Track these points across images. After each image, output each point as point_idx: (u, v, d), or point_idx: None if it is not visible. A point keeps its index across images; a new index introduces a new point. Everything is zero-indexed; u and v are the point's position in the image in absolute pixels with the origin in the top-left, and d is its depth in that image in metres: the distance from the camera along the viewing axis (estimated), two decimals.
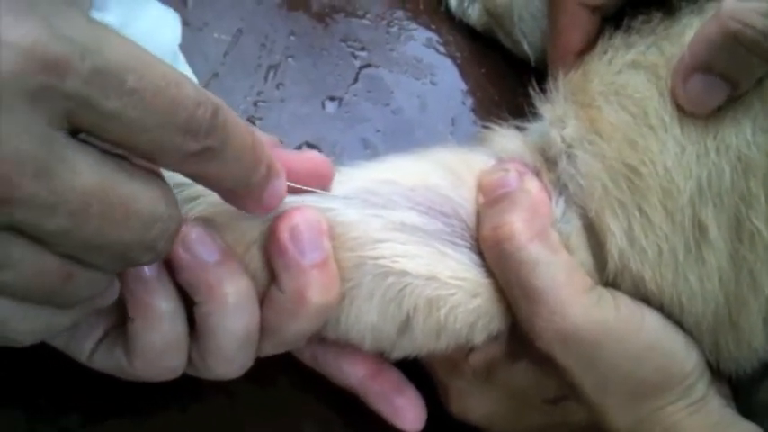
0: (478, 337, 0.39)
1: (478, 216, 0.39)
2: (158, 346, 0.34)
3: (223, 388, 0.45)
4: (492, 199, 0.39)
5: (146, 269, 0.33)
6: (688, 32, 0.37)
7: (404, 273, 0.37)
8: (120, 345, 0.35)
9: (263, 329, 0.36)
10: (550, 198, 0.40)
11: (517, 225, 0.37)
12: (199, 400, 0.45)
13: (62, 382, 0.42)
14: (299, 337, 0.37)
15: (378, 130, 0.53)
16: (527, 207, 0.38)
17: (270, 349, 0.37)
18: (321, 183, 0.36)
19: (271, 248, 0.35)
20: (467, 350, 0.41)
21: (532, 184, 0.39)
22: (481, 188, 0.39)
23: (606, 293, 0.38)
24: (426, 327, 0.38)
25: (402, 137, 0.53)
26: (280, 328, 0.36)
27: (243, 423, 0.46)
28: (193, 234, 0.33)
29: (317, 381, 0.43)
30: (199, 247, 0.33)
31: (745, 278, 0.36)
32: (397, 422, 0.41)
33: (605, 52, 0.40)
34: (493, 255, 0.38)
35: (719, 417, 0.39)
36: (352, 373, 0.41)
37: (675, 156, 0.36)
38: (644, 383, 0.38)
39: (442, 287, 0.37)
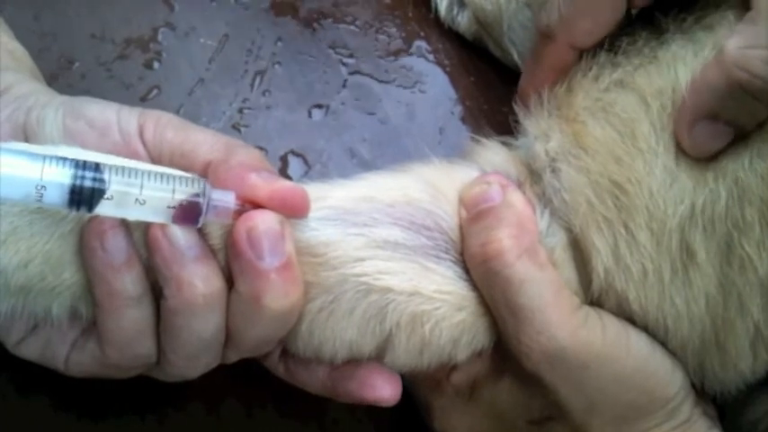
0: (462, 354, 0.38)
1: (462, 231, 0.39)
2: (126, 331, 0.34)
3: (213, 410, 0.45)
4: (476, 214, 0.38)
5: (114, 255, 0.32)
6: (681, 68, 0.36)
7: (387, 290, 0.36)
8: (92, 338, 0.35)
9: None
10: (535, 211, 0.39)
11: (505, 242, 0.37)
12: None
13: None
14: (259, 343, 0.36)
15: (365, 139, 0.53)
16: (514, 222, 0.37)
17: (232, 355, 0.37)
18: (297, 213, 0.35)
19: (229, 250, 0.34)
20: (449, 369, 0.40)
21: (516, 198, 0.39)
22: (463, 202, 0.39)
23: (593, 313, 0.38)
24: (410, 344, 0.37)
25: (389, 146, 0.53)
26: (238, 333, 0.35)
27: None
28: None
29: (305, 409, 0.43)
30: (180, 239, 0.33)
31: (733, 302, 0.36)
32: (376, 397, 0.39)
33: (590, 69, 0.39)
34: (480, 272, 0.38)
35: None
36: (321, 369, 0.39)
37: (664, 183, 0.36)
38: (629, 406, 0.37)
39: (426, 302, 0.37)
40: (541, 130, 0.40)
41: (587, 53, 0.40)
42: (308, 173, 0.51)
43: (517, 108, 0.42)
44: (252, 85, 0.52)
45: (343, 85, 0.54)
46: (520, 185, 0.40)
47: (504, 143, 0.43)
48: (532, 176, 0.40)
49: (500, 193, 0.38)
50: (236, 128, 0.51)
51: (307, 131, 0.52)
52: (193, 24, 0.53)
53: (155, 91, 0.51)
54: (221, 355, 0.36)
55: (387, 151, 0.52)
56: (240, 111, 0.52)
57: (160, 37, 0.52)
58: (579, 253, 0.38)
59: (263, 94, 0.52)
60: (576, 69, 0.40)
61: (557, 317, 0.36)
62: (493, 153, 0.42)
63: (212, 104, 0.51)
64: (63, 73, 0.50)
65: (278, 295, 0.33)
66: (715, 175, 0.36)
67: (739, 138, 0.35)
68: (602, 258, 0.37)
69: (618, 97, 0.38)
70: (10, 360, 0.38)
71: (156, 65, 0.51)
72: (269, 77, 0.53)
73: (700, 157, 0.36)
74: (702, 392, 0.39)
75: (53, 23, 0.51)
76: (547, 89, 0.41)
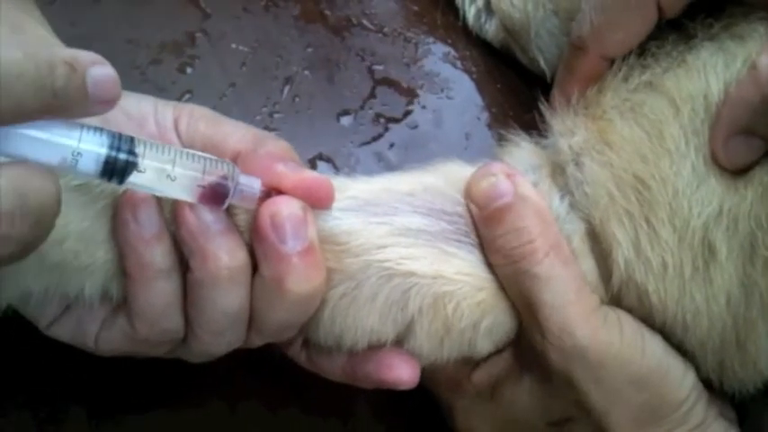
0: (482, 344, 0.39)
1: (477, 226, 0.39)
2: (155, 304, 0.34)
3: (231, 405, 0.46)
4: (493, 213, 0.38)
5: (145, 227, 0.33)
6: (712, 77, 0.37)
7: (410, 274, 0.37)
8: (122, 315, 0.36)
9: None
10: (552, 199, 0.40)
11: (536, 243, 0.37)
12: (203, 412, 0.46)
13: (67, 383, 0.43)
14: (281, 327, 0.36)
15: (392, 144, 0.53)
16: (535, 218, 0.38)
17: (256, 339, 0.37)
18: (322, 203, 0.36)
19: (253, 234, 0.35)
20: (470, 368, 0.41)
21: (527, 188, 0.39)
22: (473, 198, 0.39)
23: (611, 313, 0.38)
24: (432, 329, 0.37)
25: (416, 151, 0.53)
26: (261, 316, 0.36)
27: None
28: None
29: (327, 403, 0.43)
30: (206, 213, 0.34)
31: (755, 303, 0.36)
32: (394, 378, 0.39)
33: (620, 70, 0.40)
34: (506, 272, 0.38)
35: None
36: (341, 357, 0.40)
37: (690, 184, 0.36)
38: (643, 408, 0.38)
39: (449, 283, 0.37)
40: (567, 127, 0.40)
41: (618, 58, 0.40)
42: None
43: (543, 108, 0.42)
44: (282, 91, 0.53)
45: (372, 91, 0.55)
46: (541, 174, 0.40)
47: (530, 141, 0.43)
48: (555, 169, 0.41)
49: (510, 185, 0.38)
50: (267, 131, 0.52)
51: (335, 136, 0.53)
52: (225, 30, 0.54)
53: (187, 95, 0.52)
54: (245, 337, 0.37)
55: (414, 156, 0.53)
56: (270, 115, 0.52)
57: (193, 42, 0.53)
58: (599, 246, 0.39)
59: (293, 99, 0.53)
60: (608, 73, 0.41)
61: (578, 316, 0.37)
62: (517, 147, 0.42)
63: (243, 108, 0.52)
64: None
65: (300, 279, 0.34)
66: (744, 181, 0.36)
67: None
68: (622, 250, 0.37)
69: (647, 98, 0.38)
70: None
71: (188, 69, 0.53)
72: (298, 83, 0.54)
73: (733, 170, 0.36)
74: (721, 393, 0.39)
75: (89, 28, 0.52)
76: (577, 93, 0.41)
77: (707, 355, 0.38)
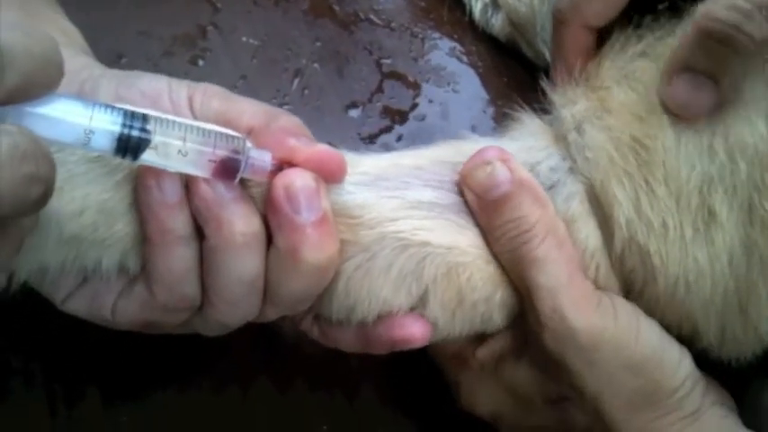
0: (497, 317, 0.39)
1: (475, 213, 0.39)
2: (175, 269, 0.35)
3: (239, 382, 0.46)
4: (491, 203, 0.38)
5: (168, 194, 0.34)
6: None
7: (425, 243, 0.37)
8: (140, 283, 0.36)
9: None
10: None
11: (534, 230, 0.38)
12: (215, 392, 0.46)
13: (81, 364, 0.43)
14: (296, 299, 0.37)
15: (400, 136, 0.54)
16: (533, 204, 0.38)
17: (270, 312, 0.37)
18: (334, 177, 0.37)
19: (267, 206, 0.35)
20: (475, 345, 0.42)
21: (522, 173, 0.39)
22: (470, 186, 0.39)
23: (605, 298, 0.38)
24: (445, 298, 0.38)
25: (423, 143, 0.53)
26: (277, 288, 0.36)
27: (255, 417, 0.47)
28: None
29: (334, 384, 0.44)
30: (219, 183, 0.34)
31: (755, 263, 0.36)
32: (405, 335, 0.38)
33: (617, 40, 0.41)
34: (506, 257, 0.38)
35: (717, 428, 0.39)
36: (353, 327, 0.40)
37: (675, 142, 0.37)
38: (637, 393, 0.38)
39: (463, 254, 0.38)
40: (568, 98, 0.41)
41: (616, 30, 0.41)
42: None
43: (545, 84, 0.43)
44: (291, 83, 0.54)
45: (380, 85, 0.55)
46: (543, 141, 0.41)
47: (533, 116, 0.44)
48: (558, 138, 0.41)
49: (507, 172, 0.38)
50: None
51: (344, 128, 0.54)
52: (236, 24, 0.55)
53: None
54: (259, 310, 0.37)
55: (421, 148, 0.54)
56: (280, 106, 0.53)
57: (205, 35, 0.54)
58: (601, 208, 0.39)
59: (303, 91, 0.54)
60: (606, 46, 0.41)
61: (570, 298, 0.37)
62: (521, 123, 0.43)
63: (255, 99, 0.53)
64: (111, 67, 0.51)
65: (315, 248, 0.35)
66: (730, 147, 0.36)
67: (748, 102, 0.36)
68: (623, 210, 0.38)
69: (640, 64, 0.39)
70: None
71: (200, 62, 0.53)
72: (308, 76, 0.55)
73: (687, 118, 0.37)
74: (720, 380, 0.40)
75: (103, 20, 0.53)
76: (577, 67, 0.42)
77: (709, 320, 0.38)
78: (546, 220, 0.38)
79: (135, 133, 0.32)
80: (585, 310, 0.37)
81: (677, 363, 0.39)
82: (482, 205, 0.39)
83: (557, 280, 0.37)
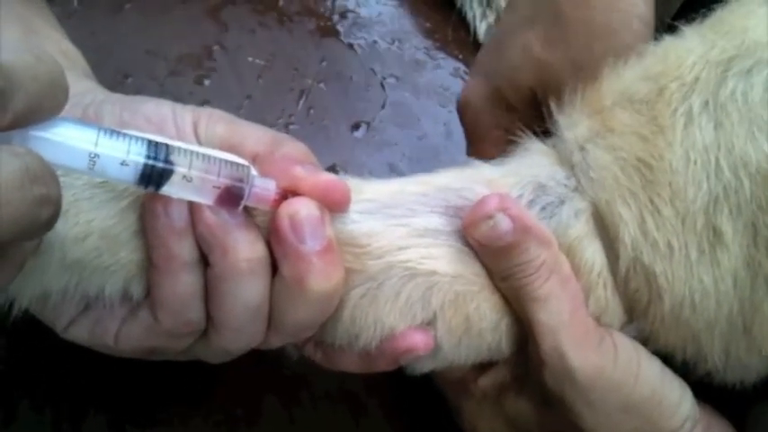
0: (504, 344, 0.39)
1: (480, 256, 0.38)
2: (180, 294, 0.35)
3: (246, 400, 0.46)
4: (495, 252, 0.38)
5: (175, 219, 0.34)
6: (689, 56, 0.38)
7: (432, 272, 0.37)
8: (143, 309, 0.36)
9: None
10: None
11: (539, 272, 0.37)
12: (221, 411, 0.46)
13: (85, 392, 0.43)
14: (301, 326, 0.37)
15: (404, 155, 0.55)
16: (536, 247, 0.37)
17: (275, 339, 0.37)
18: (339, 206, 0.37)
19: (272, 235, 0.35)
20: (477, 373, 0.42)
21: (525, 218, 0.38)
22: (473, 239, 0.38)
23: (607, 337, 0.38)
24: (453, 324, 0.38)
25: (427, 162, 0.55)
26: (282, 316, 0.36)
27: None
28: None
29: (341, 402, 0.44)
30: (223, 210, 0.34)
31: (760, 284, 0.36)
32: (408, 344, 0.38)
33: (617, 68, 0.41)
34: (510, 295, 0.38)
35: None
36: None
37: (684, 161, 0.37)
38: None
39: (469, 283, 0.38)
40: (572, 120, 0.41)
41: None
42: None
43: (552, 104, 0.43)
44: (297, 103, 0.54)
45: (384, 104, 0.56)
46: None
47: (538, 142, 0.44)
48: (562, 159, 0.41)
49: (509, 224, 0.37)
50: None
51: (349, 147, 0.54)
52: (242, 44, 0.55)
53: (205, 106, 0.53)
54: (264, 337, 0.37)
55: (425, 167, 0.53)
56: (286, 126, 0.54)
57: (211, 55, 0.55)
58: (606, 229, 0.39)
59: (308, 111, 0.54)
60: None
61: (571, 337, 0.37)
62: (526, 150, 0.43)
63: (259, 120, 0.51)
64: (117, 87, 0.52)
65: (320, 277, 0.34)
66: (734, 162, 0.36)
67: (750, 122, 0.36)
68: (629, 230, 0.37)
69: (641, 87, 0.39)
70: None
71: (206, 81, 0.54)
72: (313, 95, 0.55)
73: None
74: (722, 400, 0.40)
75: (109, 40, 0.54)
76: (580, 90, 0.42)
77: (713, 341, 0.38)
78: (551, 260, 0.38)
79: (144, 160, 0.31)
80: (585, 350, 0.37)
81: (677, 404, 0.39)
82: (486, 252, 0.38)
83: (558, 318, 0.37)
